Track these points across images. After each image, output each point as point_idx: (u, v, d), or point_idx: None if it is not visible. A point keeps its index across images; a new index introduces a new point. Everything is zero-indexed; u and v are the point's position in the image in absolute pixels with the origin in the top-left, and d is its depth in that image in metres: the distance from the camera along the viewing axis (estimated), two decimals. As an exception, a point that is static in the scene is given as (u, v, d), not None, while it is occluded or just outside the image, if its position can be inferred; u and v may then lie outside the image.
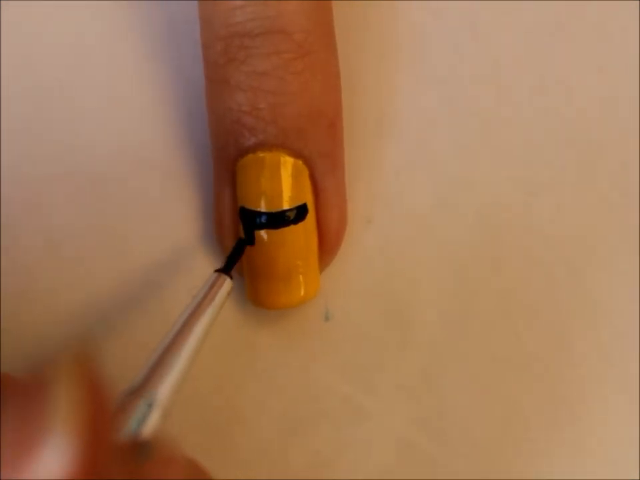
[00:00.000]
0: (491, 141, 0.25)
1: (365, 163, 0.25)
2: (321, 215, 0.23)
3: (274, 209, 0.22)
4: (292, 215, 0.22)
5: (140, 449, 0.16)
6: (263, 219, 0.22)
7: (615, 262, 0.24)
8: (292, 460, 0.23)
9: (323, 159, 0.22)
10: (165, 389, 0.17)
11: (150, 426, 0.17)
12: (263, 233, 0.22)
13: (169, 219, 0.24)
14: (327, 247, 0.23)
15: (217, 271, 0.21)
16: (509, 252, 0.24)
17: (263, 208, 0.22)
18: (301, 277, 0.22)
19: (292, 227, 0.22)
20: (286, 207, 0.22)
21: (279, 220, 0.22)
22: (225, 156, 0.22)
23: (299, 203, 0.22)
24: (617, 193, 0.25)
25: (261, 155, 0.22)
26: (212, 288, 0.20)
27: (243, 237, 0.22)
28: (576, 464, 0.23)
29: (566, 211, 0.25)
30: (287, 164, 0.22)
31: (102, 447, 0.13)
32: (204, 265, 0.24)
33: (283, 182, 0.22)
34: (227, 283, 0.21)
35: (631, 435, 0.23)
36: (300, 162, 0.22)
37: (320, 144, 0.22)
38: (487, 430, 0.23)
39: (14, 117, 0.24)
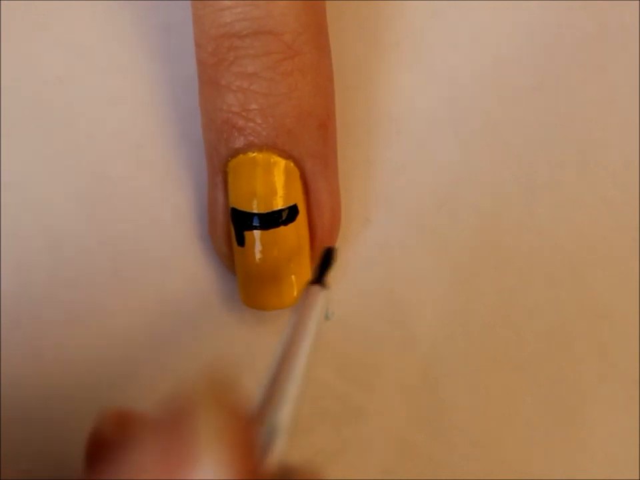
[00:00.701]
0: (491, 140, 0.25)
1: (365, 162, 0.25)
2: (312, 215, 0.23)
3: (265, 210, 0.22)
4: (283, 215, 0.22)
5: (281, 476, 0.15)
6: (254, 220, 0.22)
7: (615, 262, 0.24)
8: (291, 459, 0.23)
9: (313, 160, 0.22)
10: (285, 413, 0.16)
11: (276, 452, 0.16)
12: (254, 234, 0.22)
13: (167, 219, 0.24)
14: (320, 247, 0.23)
15: (311, 283, 0.20)
16: (509, 251, 0.24)
17: (253, 209, 0.22)
18: (292, 277, 0.22)
19: (283, 228, 0.22)
20: (276, 207, 0.22)
21: (269, 221, 0.22)
22: (217, 156, 0.22)
23: (290, 203, 0.22)
24: (617, 193, 0.25)
25: (251, 155, 0.22)
26: (311, 303, 0.20)
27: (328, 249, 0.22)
28: (576, 464, 0.23)
29: (566, 210, 0.25)
30: (277, 165, 0.22)
31: (249, 475, 0.13)
32: (201, 263, 0.24)
33: (273, 183, 0.22)
34: (323, 295, 0.20)
35: (631, 435, 0.23)
36: (290, 163, 0.22)
37: (310, 145, 0.22)
38: (486, 430, 0.23)
39: (14, 117, 0.24)
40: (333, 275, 0.24)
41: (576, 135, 0.25)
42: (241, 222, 0.22)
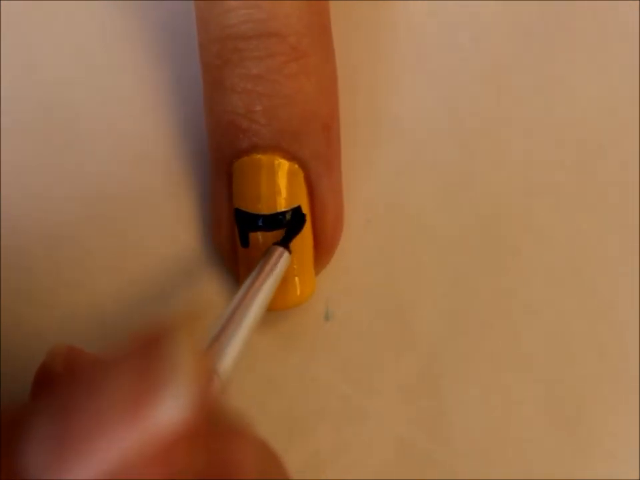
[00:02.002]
0: (491, 140, 0.25)
1: (365, 163, 0.25)
2: (316, 216, 0.23)
3: (269, 211, 0.22)
4: (287, 217, 0.22)
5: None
6: (258, 221, 0.22)
7: (615, 262, 0.24)
8: (291, 460, 0.23)
9: (317, 161, 0.22)
10: (226, 361, 0.17)
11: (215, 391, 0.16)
12: (258, 235, 0.22)
13: (168, 219, 0.24)
14: (323, 248, 0.23)
15: (275, 244, 0.22)
16: (509, 251, 0.24)
17: (258, 210, 0.22)
18: (296, 278, 0.22)
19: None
20: (280, 209, 0.22)
21: (273, 222, 0.22)
22: (221, 157, 0.22)
23: (294, 205, 0.22)
24: (617, 193, 0.25)
25: (256, 157, 0.22)
26: (269, 262, 0.21)
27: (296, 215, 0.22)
28: (576, 464, 0.23)
29: (566, 211, 0.25)
30: (282, 166, 0.22)
31: (210, 404, 0.14)
32: (203, 264, 0.24)
33: (277, 184, 0.22)
34: (285, 257, 0.21)
35: (631, 435, 0.23)
36: (295, 164, 0.22)
37: (315, 146, 0.22)
38: (486, 430, 0.23)
39: (14, 117, 0.24)
40: (333, 275, 0.24)
41: (576, 135, 0.25)
42: (246, 223, 0.22)
